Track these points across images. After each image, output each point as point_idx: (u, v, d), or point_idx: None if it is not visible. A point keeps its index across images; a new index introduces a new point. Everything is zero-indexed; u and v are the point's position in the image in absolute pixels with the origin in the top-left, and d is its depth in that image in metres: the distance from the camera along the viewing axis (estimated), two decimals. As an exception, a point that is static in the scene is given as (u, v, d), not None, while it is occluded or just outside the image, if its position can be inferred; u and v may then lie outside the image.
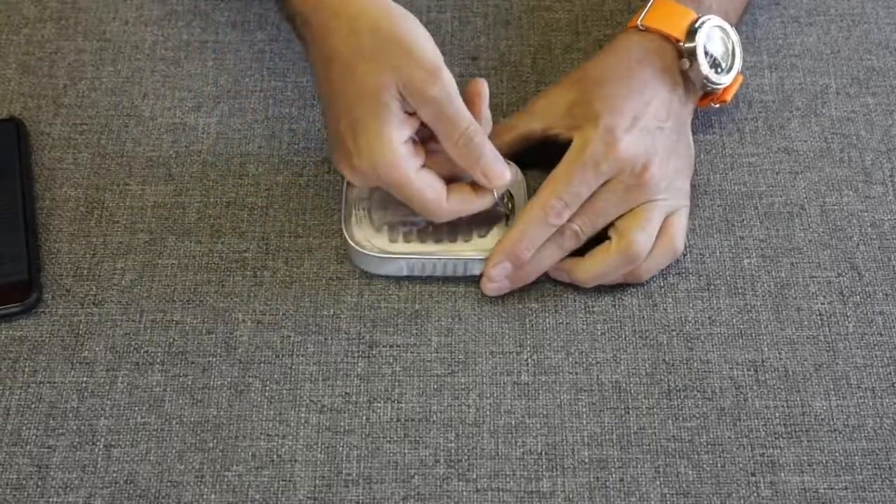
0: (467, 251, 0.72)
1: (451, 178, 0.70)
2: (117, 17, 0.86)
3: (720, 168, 0.78)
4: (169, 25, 0.85)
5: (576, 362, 0.71)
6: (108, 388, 0.70)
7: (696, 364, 0.71)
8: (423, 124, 0.68)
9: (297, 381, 0.70)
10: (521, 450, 0.68)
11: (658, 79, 0.73)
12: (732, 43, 0.74)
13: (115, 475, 0.67)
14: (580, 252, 0.72)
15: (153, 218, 0.76)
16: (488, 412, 0.69)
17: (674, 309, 0.72)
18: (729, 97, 0.75)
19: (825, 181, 0.78)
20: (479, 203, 0.70)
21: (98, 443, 0.68)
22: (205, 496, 0.66)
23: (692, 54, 0.72)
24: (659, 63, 0.73)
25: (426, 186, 0.67)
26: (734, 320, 0.72)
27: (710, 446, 0.68)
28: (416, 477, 0.67)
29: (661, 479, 0.67)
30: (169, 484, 0.67)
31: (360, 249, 0.72)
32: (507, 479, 0.67)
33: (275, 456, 0.67)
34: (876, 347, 0.71)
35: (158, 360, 0.71)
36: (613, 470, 0.67)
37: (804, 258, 0.74)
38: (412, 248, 0.72)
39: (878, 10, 0.86)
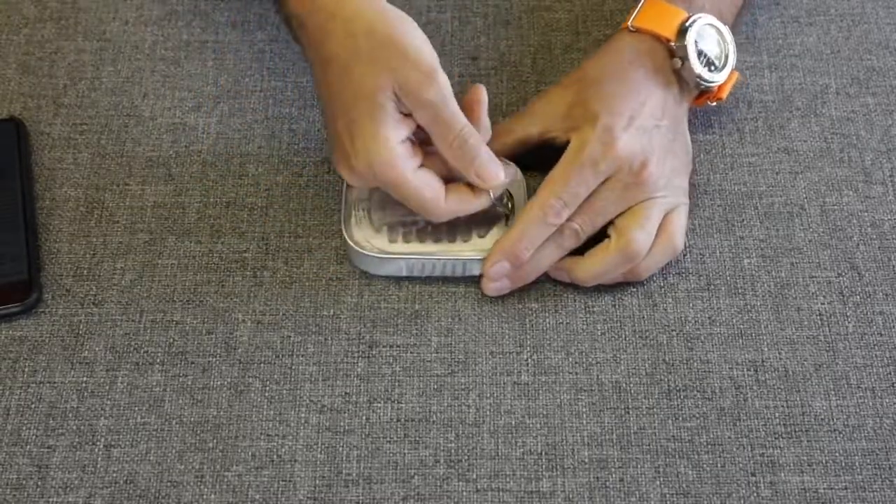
0: (467, 251, 0.72)
1: (449, 180, 0.70)
2: (117, 17, 0.86)
3: (720, 168, 0.78)
4: (169, 25, 0.85)
5: (576, 362, 0.71)
6: (108, 388, 0.70)
7: (696, 364, 0.71)
8: (419, 127, 0.68)
9: (297, 381, 0.70)
10: (521, 450, 0.68)
11: (651, 79, 0.73)
12: (725, 41, 0.74)
13: (115, 475, 0.67)
14: (580, 251, 0.72)
15: (153, 218, 0.76)
16: (488, 412, 0.69)
17: (674, 309, 0.72)
18: (724, 95, 0.75)
19: (825, 181, 0.78)
20: (477, 203, 0.70)
21: (98, 443, 0.68)
22: (205, 496, 0.66)
23: (683, 54, 0.73)
24: (651, 63, 0.73)
25: (423, 186, 0.68)
26: (734, 320, 0.72)
27: (710, 446, 0.68)
28: (416, 477, 0.67)
29: (661, 479, 0.67)
30: (169, 484, 0.67)
31: (360, 250, 0.72)
32: (507, 479, 0.67)
33: (275, 456, 0.67)
34: (876, 347, 0.71)
35: (158, 360, 0.71)
36: (613, 470, 0.67)
37: (804, 258, 0.74)
38: (411, 249, 0.72)
39: (878, 10, 0.86)
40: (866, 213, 0.76)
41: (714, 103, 0.76)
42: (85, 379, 0.70)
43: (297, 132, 0.80)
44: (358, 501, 0.66)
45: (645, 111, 0.72)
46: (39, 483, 0.67)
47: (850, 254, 0.75)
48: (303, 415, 0.69)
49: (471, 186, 0.69)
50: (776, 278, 0.74)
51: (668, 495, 0.66)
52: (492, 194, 0.70)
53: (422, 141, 0.69)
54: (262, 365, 0.71)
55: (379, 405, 0.69)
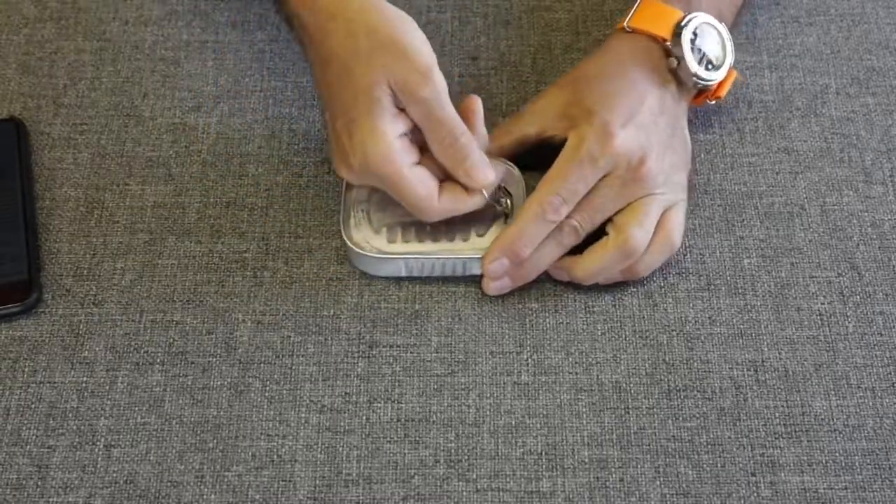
0: (466, 251, 0.72)
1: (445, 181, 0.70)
2: (117, 17, 0.86)
3: (720, 168, 0.78)
4: (169, 25, 0.85)
5: (576, 362, 0.71)
6: (108, 388, 0.70)
7: (696, 364, 0.71)
8: (415, 127, 0.68)
9: (297, 382, 0.70)
10: (521, 450, 0.68)
11: (648, 78, 0.73)
12: (723, 40, 0.75)
13: (115, 475, 0.67)
14: (579, 250, 0.72)
15: (153, 218, 0.76)
16: (488, 412, 0.69)
17: (674, 309, 0.72)
18: (723, 93, 0.75)
19: (825, 181, 0.78)
20: (471, 202, 0.70)
21: (98, 443, 0.68)
22: (205, 496, 0.66)
23: (678, 53, 0.73)
24: (648, 63, 0.73)
25: (418, 182, 0.68)
26: (734, 320, 0.72)
27: (710, 446, 0.68)
28: (416, 477, 0.67)
29: (661, 479, 0.67)
30: (169, 484, 0.67)
31: (359, 251, 0.72)
32: (507, 479, 0.67)
33: (275, 456, 0.67)
34: (876, 347, 0.71)
35: (158, 360, 0.71)
36: (613, 470, 0.67)
37: (804, 258, 0.74)
38: (411, 249, 0.72)
39: (878, 10, 0.86)
40: (866, 213, 0.76)
41: (713, 102, 0.76)
42: (85, 379, 0.70)
43: (297, 132, 0.80)
44: (358, 501, 0.66)
45: (643, 109, 0.72)
46: (39, 483, 0.67)
47: (850, 254, 0.75)
48: (303, 415, 0.69)
49: (465, 185, 0.70)
50: (776, 278, 0.74)
51: (668, 495, 0.66)
52: (485, 193, 0.70)
53: (420, 144, 0.69)
54: (262, 365, 0.71)
55: (379, 405, 0.69)
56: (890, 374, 0.70)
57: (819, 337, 0.72)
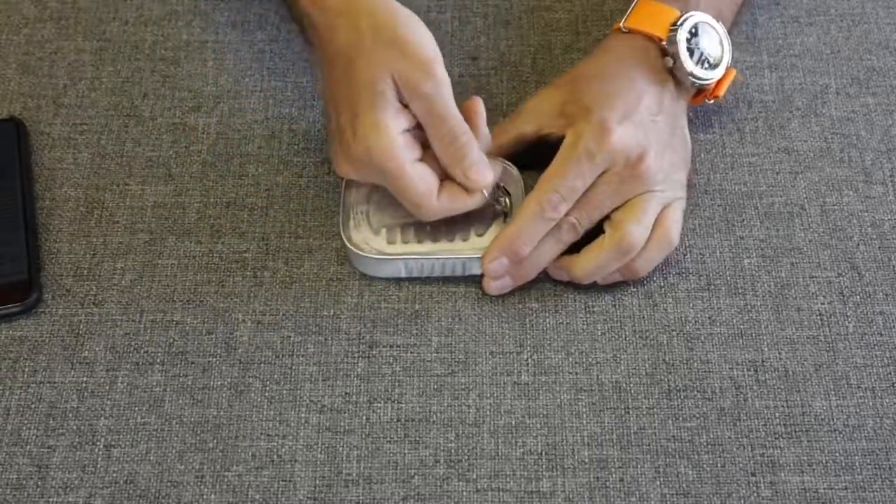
0: (465, 250, 0.72)
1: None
2: (117, 17, 0.86)
3: (720, 168, 0.78)
4: (169, 25, 0.85)
5: (576, 362, 0.71)
6: (108, 388, 0.70)
7: (696, 364, 0.71)
8: (419, 125, 0.68)
9: (297, 382, 0.70)
10: (521, 450, 0.68)
11: (646, 77, 0.73)
12: (721, 39, 0.75)
13: (115, 475, 0.67)
14: (578, 249, 0.71)
15: (153, 218, 0.76)
16: (488, 412, 0.69)
17: (674, 309, 0.72)
18: (721, 92, 0.75)
19: (825, 181, 0.78)
20: (470, 201, 0.70)
21: (98, 443, 0.68)
22: (205, 496, 0.66)
23: (674, 52, 0.73)
24: (645, 62, 0.74)
25: (418, 179, 0.68)
26: (734, 320, 0.72)
27: (710, 446, 0.68)
28: (416, 477, 0.67)
29: (661, 479, 0.67)
30: (169, 484, 0.67)
31: (359, 252, 0.72)
32: (507, 479, 0.67)
33: (275, 456, 0.67)
34: (876, 347, 0.71)
35: (158, 360, 0.71)
36: (613, 470, 0.67)
37: (804, 258, 0.74)
38: (410, 249, 0.72)
39: (878, 10, 0.86)
40: (866, 213, 0.76)
41: (712, 101, 0.76)
42: (85, 379, 0.70)
43: (297, 132, 0.80)
44: (358, 501, 0.66)
45: (641, 107, 0.72)
46: (39, 483, 0.67)
47: (850, 254, 0.75)
48: (303, 415, 0.69)
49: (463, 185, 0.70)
50: (776, 278, 0.74)
51: (668, 495, 0.66)
52: (485, 192, 0.70)
53: (423, 143, 0.69)
54: (262, 365, 0.71)
55: (379, 405, 0.69)
56: (890, 374, 0.70)
57: (819, 337, 0.72)
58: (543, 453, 0.68)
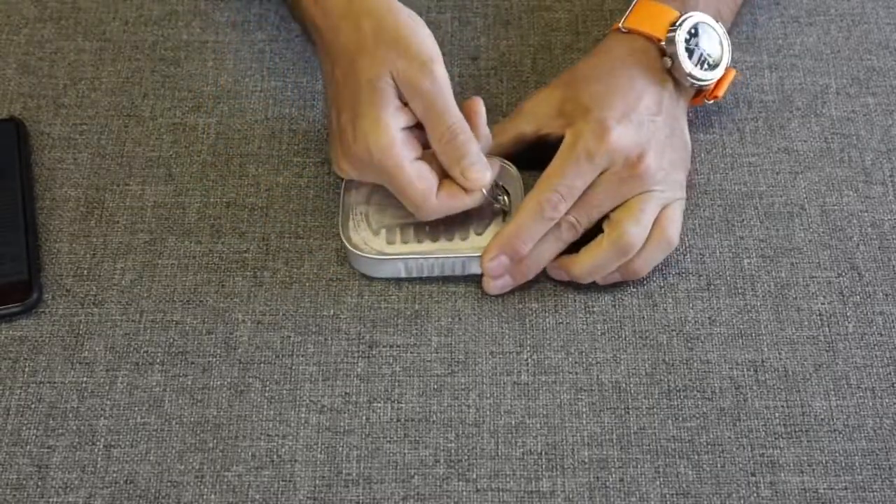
0: (465, 250, 0.72)
1: None
2: (117, 17, 0.86)
3: (720, 168, 0.78)
4: (169, 25, 0.85)
5: (576, 362, 0.71)
6: (108, 388, 0.70)
7: (696, 364, 0.71)
8: (419, 124, 0.68)
9: (297, 382, 0.70)
10: (521, 450, 0.68)
11: (644, 77, 0.73)
12: (721, 39, 0.75)
13: (115, 475, 0.67)
14: (576, 248, 0.71)
15: (153, 218, 0.76)
16: (488, 412, 0.69)
17: (674, 309, 0.72)
18: (721, 93, 0.75)
19: (825, 181, 0.78)
20: (469, 200, 0.70)
21: (98, 443, 0.68)
22: (205, 496, 0.66)
23: (672, 52, 0.73)
24: (644, 62, 0.74)
25: (417, 177, 0.68)
26: (734, 320, 0.72)
27: (710, 446, 0.68)
28: (416, 477, 0.67)
29: (661, 479, 0.67)
30: (169, 484, 0.67)
31: (358, 252, 0.72)
32: (507, 479, 0.67)
33: (275, 456, 0.67)
34: (876, 347, 0.71)
35: (158, 360, 0.71)
36: (613, 470, 0.67)
37: (804, 258, 0.74)
38: (410, 249, 0.72)
39: (878, 10, 0.86)
40: (866, 213, 0.76)
41: (711, 101, 0.76)
42: (85, 379, 0.70)
43: (298, 132, 0.80)
44: (358, 501, 0.66)
45: (640, 106, 0.72)
46: (39, 483, 0.67)
47: (850, 254, 0.75)
48: (303, 415, 0.69)
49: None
50: (776, 278, 0.74)
51: (668, 495, 0.66)
52: (483, 191, 0.70)
53: (423, 142, 0.69)
54: (262, 365, 0.71)
55: (379, 405, 0.69)
56: (890, 374, 0.70)
57: (819, 337, 0.72)
58: (543, 453, 0.68)
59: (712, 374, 0.70)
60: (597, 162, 0.70)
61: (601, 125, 0.70)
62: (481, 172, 0.69)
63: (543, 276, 0.73)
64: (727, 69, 0.75)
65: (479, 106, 0.71)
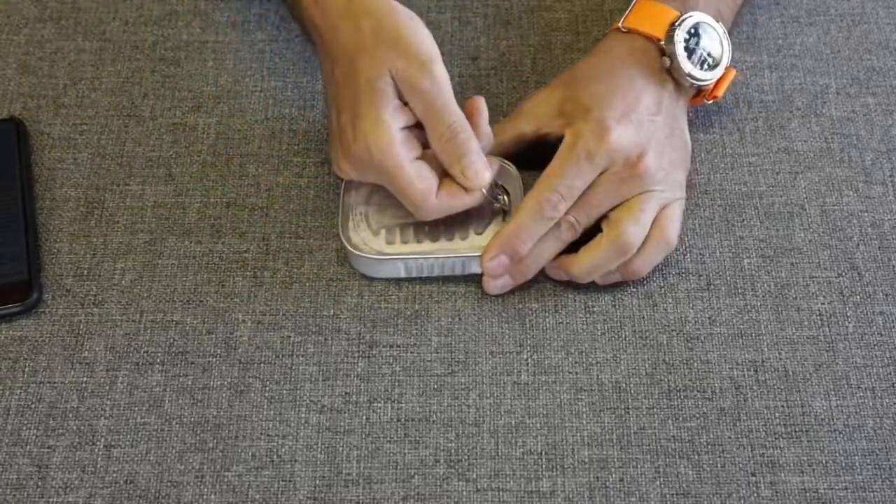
0: (465, 249, 0.72)
1: None
2: (117, 17, 0.86)
3: (720, 168, 0.78)
4: (169, 25, 0.85)
5: (576, 362, 0.71)
6: (108, 388, 0.70)
7: (696, 364, 0.71)
8: (419, 124, 0.68)
9: (297, 382, 0.70)
10: (521, 450, 0.68)
11: (644, 76, 0.73)
12: (721, 39, 0.75)
13: (115, 475, 0.67)
14: (576, 248, 0.71)
15: (153, 218, 0.76)
16: (488, 412, 0.69)
17: (674, 309, 0.72)
18: (721, 93, 0.75)
19: (825, 181, 0.78)
20: (469, 200, 0.70)
21: (98, 443, 0.68)
22: (205, 496, 0.66)
23: (671, 52, 0.73)
24: (644, 62, 0.74)
25: (417, 176, 0.68)
26: (734, 320, 0.72)
27: (710, 446, 0.68)
28: (416, 477, 0.67)
29: (661, 479, 0.67)
30: (169, 484, 0.67)
31: (358, 252, 0.72)
32: (507, 479, 0.67)
33: (275, 456, 0.67)
34: (876, 347, 0.71)
35: (158, 360, 0.71)
36: (613, 470, 0.67)
37: (804, 258, 0.74)
38: (409, 249, 0.72)
39: (878, 10, 0.86)
40: (866, 213, 0.76)
41: (711, 101, 0.76)
42: (85, 379, 0.70)
43: (297, 132, 0.80)
44: (358, 501, 0.66)
45: (639, 106, 0.72)
46: (39, 483, 0.67)
47: (850, 254, 0.75)
48: (303, 415, 0.69)
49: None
50: (776, 278, 0.74)
51: (668, 495, 0.66)
52: (483, 191, 0.70)
53: (423, 142, 0.69)
54: (262, 365, 0.71)
55: (379, 405, 0.69)
56: (890, 374, 0.70)
57: (819, 337, 0.72)
58: (543, 453, 0.68)
59: (712, 374, 0.70)
60: (596, 162, 0.70)
61: (601, 125, 0.70)
62: (481, 171, 0.69)
63: (543, 276, 0.73)
64: (727, 69, 0.75)
65: (482, 105, 0.71)
